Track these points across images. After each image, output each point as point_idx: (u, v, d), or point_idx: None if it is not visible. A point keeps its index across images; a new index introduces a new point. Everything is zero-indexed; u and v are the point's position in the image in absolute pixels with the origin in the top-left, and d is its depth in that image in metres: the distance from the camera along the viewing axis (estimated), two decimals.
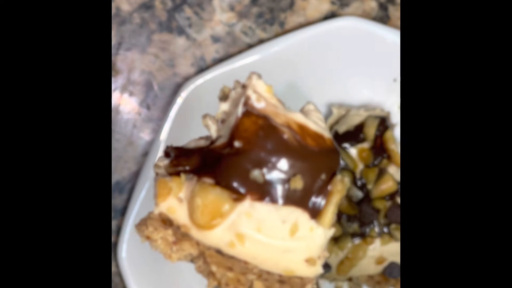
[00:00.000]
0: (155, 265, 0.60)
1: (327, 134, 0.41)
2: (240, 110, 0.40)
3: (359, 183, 0.58)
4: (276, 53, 0.59)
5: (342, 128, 0.58)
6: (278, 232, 0.40)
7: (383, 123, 0.58)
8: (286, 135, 0.40)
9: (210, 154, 0.41)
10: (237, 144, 0.40)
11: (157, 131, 0.60)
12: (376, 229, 0.57)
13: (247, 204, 0.40)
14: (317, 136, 0.41)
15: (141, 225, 0.41)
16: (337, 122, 0.59)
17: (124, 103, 0.61)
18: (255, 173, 0.40)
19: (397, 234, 0.57)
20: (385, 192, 0.57)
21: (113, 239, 0.61)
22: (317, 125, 0.41)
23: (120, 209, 0.61)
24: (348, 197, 0.57)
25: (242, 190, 0.40)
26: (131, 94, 0.61)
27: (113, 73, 0.61)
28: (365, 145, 0.58)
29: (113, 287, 0.61)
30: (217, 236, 0.40)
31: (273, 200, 0.40)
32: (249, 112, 0.40)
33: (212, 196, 0.39)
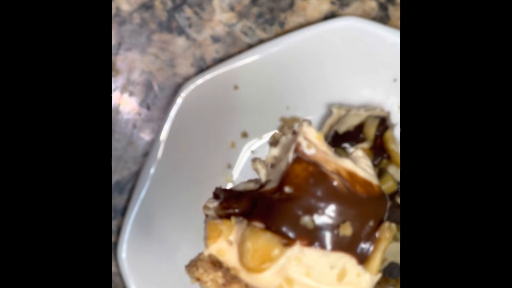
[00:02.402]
0: (155, 265, 0.60)
1: (375, 181, 0.42)
2: (291, 156, 0.41)
3: None
4: (276, 53, 0.59)
5: (342, 128, 0.58)
6: (327, 277, 0.40)
7: (383, 123, 0.58)
8: (336, 182, 0.40)
9: (260, 198, 0.41)
10: (287, 189, 0.40)
11: (157, 131, 0.60)
12: None
13: (297, 249, 0.40)
14: (365, 183, 0.41)
15: (191, 266, 0.42)
16: (337, 122, 0.59)
17: (124, 103, 0.61)
18: (305, 219, 0.40)
19: (397, 234, 0.57)
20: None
21: (113, 239, 0.61)
22: (366, 172, 0.42)
23: (120, 209, 0.61)
24: None
25: (292, 235, 0.40)
26: (131, 94, 0.61)
27: (113, 73, 0.61)
28: (365, 145, 0.58)
29: (113, 287, 0.61)
30: (267, 280, 0.41)
31: (322, 246, 0.40)
32: (299, 158, 0.41)
33: (262, 240, 0.40)
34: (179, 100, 0.59)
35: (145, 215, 0.60)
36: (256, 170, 0.43)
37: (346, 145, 0.58)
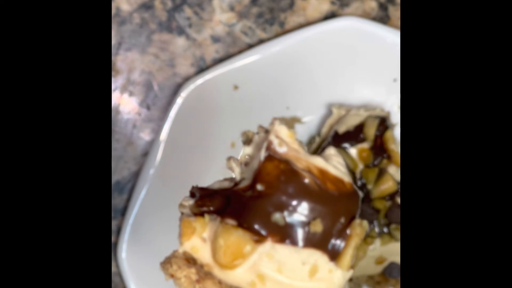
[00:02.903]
0: (155, 265, 0.60)
1: (347, 179, 0.42)
2: (262, 154, 0.41)
3: (359, 183, 0.58)
4: (276, 53, 0.59)
5: (342, 128, 0.58)
6: (298, 274, 0.41)
7: (383, 123, 0.58)
8: (307, 180, 0.41)
9: (233, 196, 0.42)
10: (259, 187, 0.41)
11: (157, 131, 0.60)
12: (376, 229, 0.57)
13: (268, 246, 0.41)
14: (337, 181, 0.42)
15: (166, 263, 0.42)
16: (337, 122, 0.59)
17: (124, 103, 0.61)
18: (276, 216, 0.41)
19: (397, 234, 0.57)
20: (385, 192, 0.57)
21: (113, 239, 0.61)
22: (337, 169, 0.42)
23: (120, 209, 0.61)
24: None
25: (263, 232, 0.41)
26: (131, 94, 0.61)
27: (113, 73, 0.61)
28: (365, 145, 0.58)
29: (113, 287, 0.61)
30: (239, 276, 0.41)
31: (294, 242, 0.41)
32: (271, 156, 0.41)
33: (234, 237, 0.40)
34: (179, 100, 0.59)
35: (145, 215, 0.60)
36: (231, 168, 0.44)
37: (346, 145, 0.58)
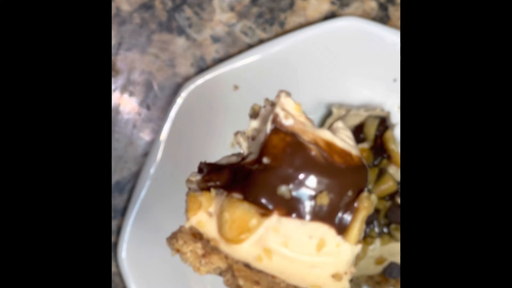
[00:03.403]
0: (155, 265, 0.60)
1: (355, 152, 0.42)
2: (268, 127, 0.41)
3: None
4: (276, 53, 0.59)
5: None
6: (305, 248, 0.41)
7: (383, 123, 0.58)
8: (313, 152, 0.40)
9: (240, 170, 0.41)
10: (265, 160, 0.40)
11: (157, 131, 0.60)
12: (376, 229, 0.57)
13: (275, 220, 0.40)
14: (344, 154, 0.41)
15: (172, 238, 0.42)
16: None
17: (124, 103, 0.61)
18: (282, 189, 0.40)
19: (397, 234, 0.57)
20: (385, 192, 0.57)
21: (113, 239, 0.61)
22: (345, 142, 0.42)
23: (120, 209, 0.62)
24: None
25: (269, 206, 0.40)
26: (131, 94, 0.61)
27: (113, 73, 0.61)
28: (365, 145, 0.58)
29: (113, 287, 0.61)
30: (245, 250, 0.41)
31: (300, 216, 0.40)
32: (277, 129, 0.41)
33: (239, 211, 0.40)
34: (179, 100, 0.59)
35: (145, 215, 0.60)
36: (238, 143, 0.43)
37: None
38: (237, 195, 0.40)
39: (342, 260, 0.41)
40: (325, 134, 0.41)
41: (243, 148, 0.43)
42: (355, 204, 0.40)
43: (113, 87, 0.61)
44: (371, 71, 0.60)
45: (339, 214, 0.40)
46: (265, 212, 0.40)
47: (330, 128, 0.42)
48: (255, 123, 0.43)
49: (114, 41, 0.60)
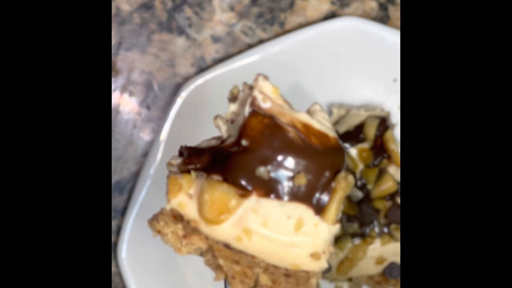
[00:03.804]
0: (155, 265, 0.60)
1: (332, 133, 0.42)
2: (247, 110, 0.42)
3: (359, 183, 0.58)
4: (276, 53, 0.59)
5: (342, 128, 0.58)
6: (284, 228, 0.41)
7: (383, 123, 0.58)
8: (291, 134, 0.41)
9: (220, 153, 0.42)
10: (244, 142, 0.41)
11: (157, 131, 0.60)
12: (376, 229, 0.57)
13: (254, 200, 0.41)
14: (321, 135, 0.42)
15: (153, 220, 0.43)
16: (337, 122, 0.59)
17: (124, 103, 0.61)
18: (261, 170, 0.41)
19: (397, 234, 0.57)
20: (385, 192, 0.57)
21: (113, 239, 0.61)
22: (322, 124, 0.42)
23: (120, 209, 0.61)
24: (348, 197, 0.57)
25: (248, 187, 0.41)
26: (131, 94, 0.61)
27: (113, 73, 0.61)
28: (365, 145, 0.58)
29: (113, 287, 0.61)
30: (225, 231, 0.42)
31: (278, 197, 0.41)
32: (255, 112, 0.42)
33: (219, 192, 0.41)
34: (179, 100, 0.59)
35: (145, 215, 0.60)
36: (218, 127, 0.44)
37: (346, 145, 0.58)
38: (216, 177, 0.41)
39: (320, 240, 0.42)
40: (302, 116, 0.42)
41: (222, 131, 0.44)
42: (332, 185, 0.41)
43: (113, 87, 0.61)
44: (371, 71, 0.60)
45: (317, 195, 0.41)
46: (244, 193, 0.41)
47: (308, 110, 0.43)
48: (233, 107, 0.44)
49: (114, 41, 0.60)
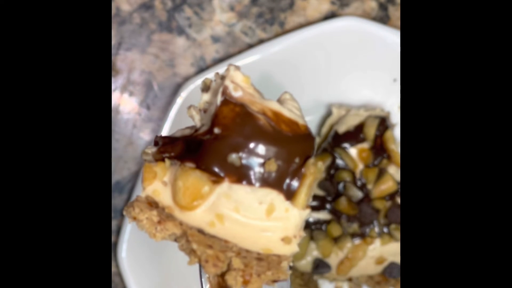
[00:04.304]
0: (155, 265, 0.60)
1: (302, 121, 0.43)
2: (219, 99, 0.43)
3: (359, 183, 0.58)
4: (276, 53, 0.59)
5: (342, 128, 0.58)
6: (255, 213, 0.42)
7: (383, 123, 0.58)
8: (261, 121, 0.42)
9: (193, 141, 0.43)
10: (216, 130, 0.42)
11: (157, 131, 0.60)
12: (376, 229, 0.57)
13: (226, 186, 0.42)
14: (291, 123, 0.43)
15: (129, 207, 0.44)
16: (337, 122, 0.59)
17: (124, 103, 0.61)
18: (233, 157, 0.42)
19: (397, 234, 0.57)
20: (385, 192, 0.57)
21: (113, 239, 0.61)
22: (292, 112, 0.43)
23: (120, 209, 0.62)
24: (348, 197, 0.57)
25: (220, 173, 0.42)
26: (131, 94, 0.61)
27: (113, 73, 0.61)
28: (365, 145, 0.58)
29: (113, 287, 0.61)
30: (198, 216, 0.43)
31: (250, 182, 0.42)
32: (227, 100, 0.42)
33: (192, 178, 0.42)
34: (179, 100, 0.59)
35: None
36: (191, 116, 0.45)
37: (346, 145, 0.58)
38: (190, 164, 0.42)
39: (291, 224, 0.42)
40: (272, 105, 0.43)
41: (196, 121, 0.45)
42: (303, 171, 0.42)
43: (113, 87, 0.61)
44: (371, 71, 0.60)
45: (287, 180, 0.42)
46: (217, 179, 0.42)
47: (278, 99, 0.44)
48: (206, 97, 0.45)
49: (114, 41, 0.60)
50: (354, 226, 0.57)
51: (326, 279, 0.60)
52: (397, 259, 0.58)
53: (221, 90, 0.43)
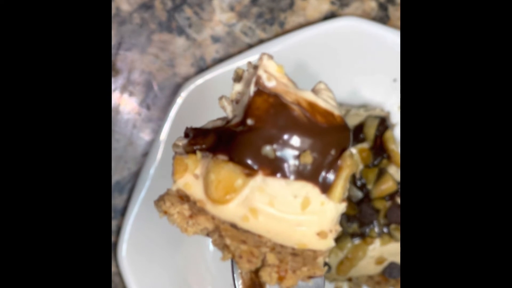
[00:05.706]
0: (155, 265, 0.60)
1: (337, 112, 0.42)
2: (252, 89, 0.42)
3: (359, 183, 0.58)
4: (276, 53, 0.58)
5: None
6: (290, 207, 0.41)
7: (383, 123, 0.58)
8: (296, 112, 0.41)
9: (225, 133, 0.42)
10: (249, 122, 0.41)
11: (157, 131, 0.60)
12: (376, 229, 0.57)
13: (260, 179, 0.41)
14: (326, 113, 0.42)
15: (159, 200, 0.42)
16: None
17: (124, 103, 0.61)
18: (267, 149, 0.41)
19: (397, 234, 0.57)
20: (385, 192, 0.57)
21: (113, 239, 0.61)
22: (327, 103, 0.42)
23: (120, 209, 0.62)
24: (348, 197, 0.57)
25: (254, 166, 0.41)
26: (131, 94, 0.61)
27: (113, 73, 0.61)
28: (365, 145, 0.58)
29: (113, 287, 0.61)
30: (231, 211, 0.41)
31: (284, 175, 0.41)
32: (260, 91, 0.41)
33: (225, 171, 0.41)
34: (179, 100, 0.59)
35: (145, 215, 0.60)
36: (223, 107, 0.44)
37: None
38: (222, 157, 0.41)
39: (326, 218, 0.41)
40: (307, 95, 0.42)
41: (228, 112, 0.44)
42: (338, 163, 0.41)
43: (113, 87, 0.61)
44: (371, 71, 0.60)
45: (323, 173, 0.41)
46: (250, 172, 0.41)
47: (313, 89, 0.43)
48: (238, 87, 0.44)
49: (114, 41, 0.60)
50: (354, 226, 0.57)
51: (326, 279, 0.60)
52: (397, 259, 0.58)
53: (254, 80, 0.42)
